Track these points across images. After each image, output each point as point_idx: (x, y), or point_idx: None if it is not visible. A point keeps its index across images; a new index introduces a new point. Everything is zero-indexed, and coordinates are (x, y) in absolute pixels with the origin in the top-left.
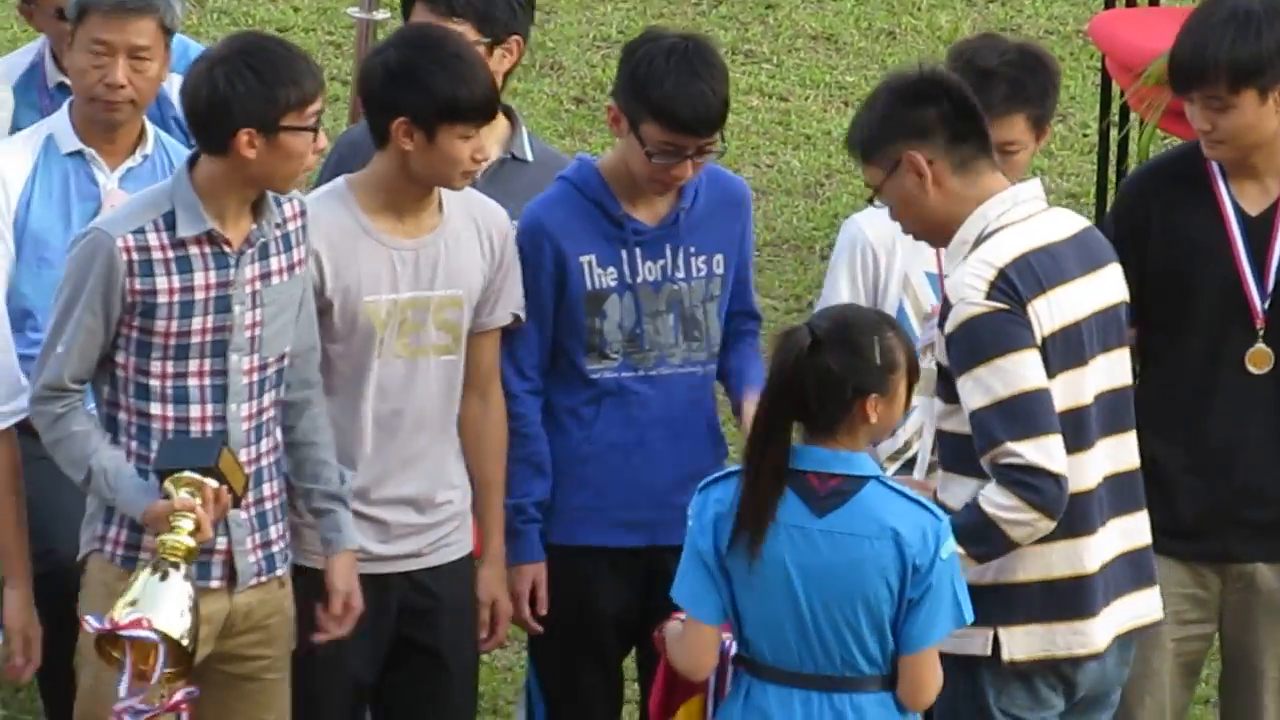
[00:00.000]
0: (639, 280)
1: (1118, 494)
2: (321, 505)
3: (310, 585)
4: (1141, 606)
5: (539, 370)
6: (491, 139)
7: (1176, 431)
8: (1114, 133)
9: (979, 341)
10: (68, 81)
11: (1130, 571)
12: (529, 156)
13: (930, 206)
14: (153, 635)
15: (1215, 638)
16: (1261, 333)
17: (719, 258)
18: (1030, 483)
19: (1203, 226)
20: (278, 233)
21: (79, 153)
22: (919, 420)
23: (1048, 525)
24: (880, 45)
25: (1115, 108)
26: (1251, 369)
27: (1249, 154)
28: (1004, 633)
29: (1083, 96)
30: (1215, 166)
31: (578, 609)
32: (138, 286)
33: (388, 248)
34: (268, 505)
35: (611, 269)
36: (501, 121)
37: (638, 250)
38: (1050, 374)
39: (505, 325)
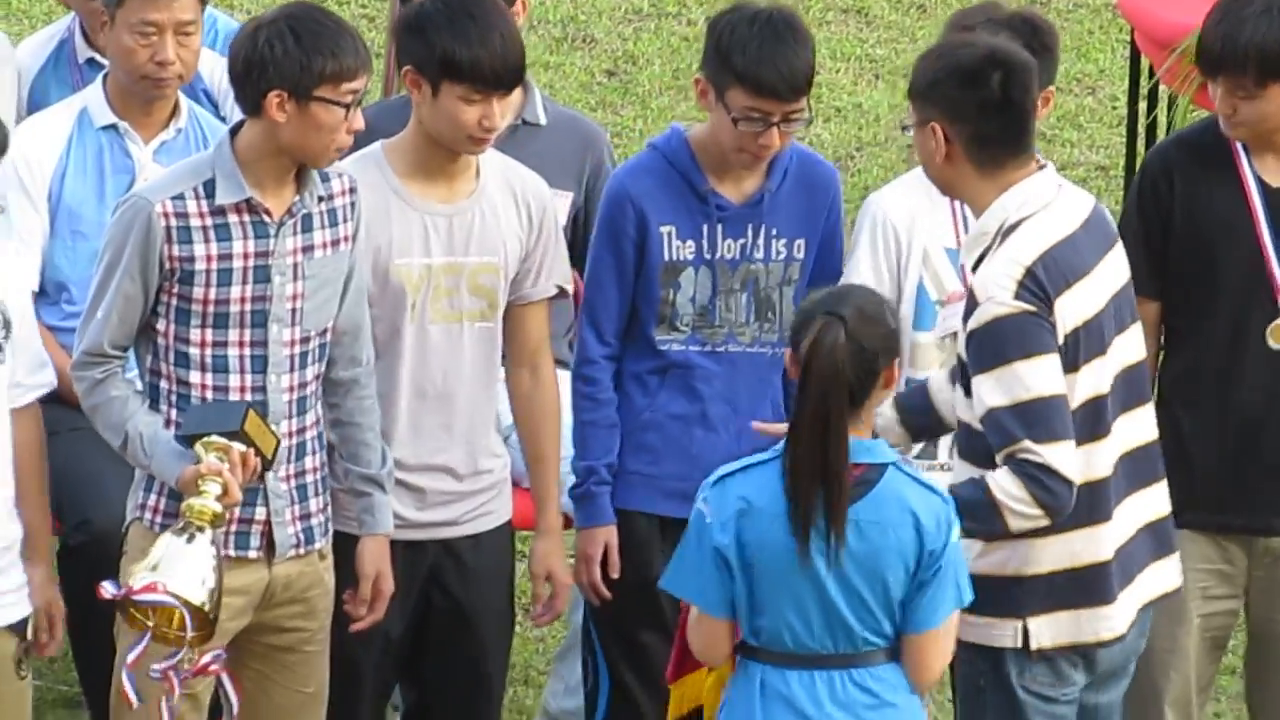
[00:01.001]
0: (717, 256)
1: (1134, 470)
2: (358, 486)
3: (351, 554)
4: (1162, 576)
5: (618, 336)
6: (504, 119)
7: (1201, 406)
8: (1143, 105)
9: (1004, 342)
10: (98, 57)
11: (1151, 542)
12: (542, 121)
13: (938, 170)
14: (167, 599)
15: (1241, 612)
16: None
17: (800, 241)
18: (1045, 482)
19: (1225, 200)
20: (322, 207)
21: (113, 126)
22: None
23: (1045, 524)
24: (910, 18)
25: (1144, 81)
26: (1274, 344)
27: (1271, 135)
28: (1032, 623)
29: (1112, 70)
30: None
31: (634, 571)
32: (176, 253)
33: (420, 212)
34: (309, 478)
35: (691, 242)
36: (515, 100)
37: (719, 226)
38: (1076, 367)
39: (551, 297)
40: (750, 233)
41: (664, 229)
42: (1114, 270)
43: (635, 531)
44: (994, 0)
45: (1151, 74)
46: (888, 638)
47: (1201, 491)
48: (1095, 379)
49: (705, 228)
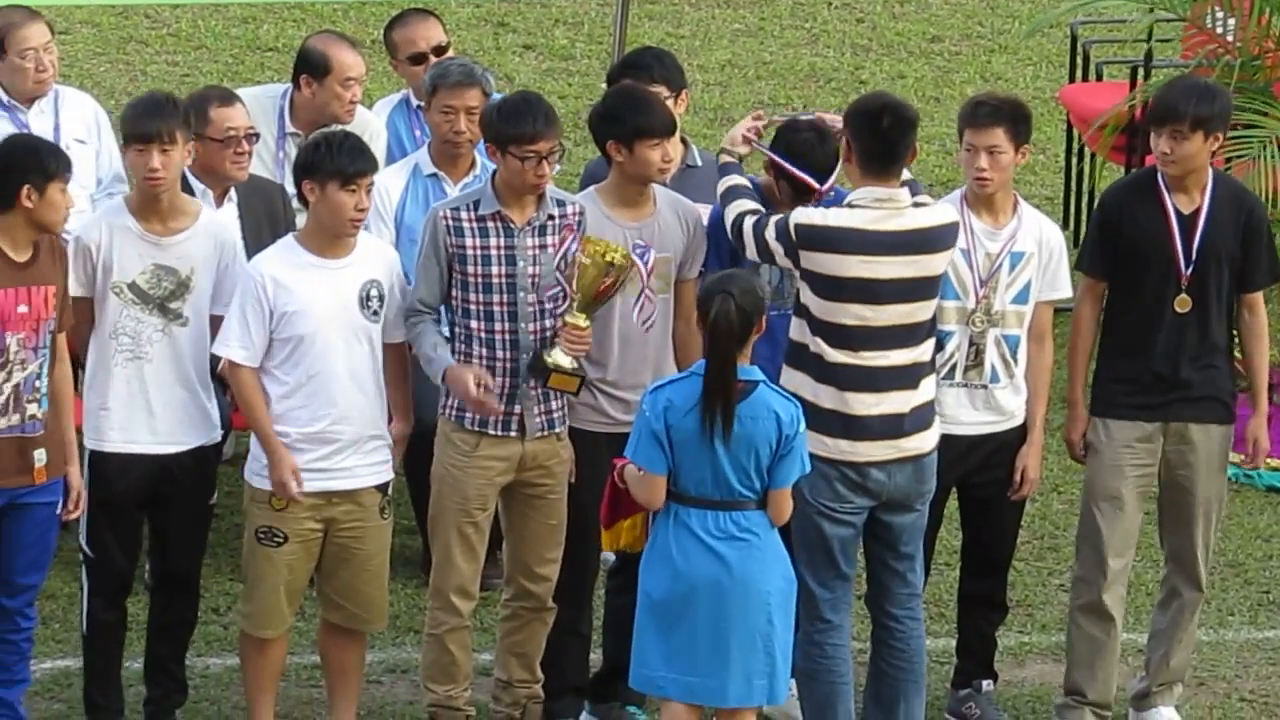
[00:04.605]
0: None
1: (901, 375)
2: None
3: (580, 441)
4: (916, 443)
5: None
6: (675, 156)
7: (1134, 350)
8: (1074, 160)
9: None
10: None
11: (906, 421)
12: (698, 163)
13: (845, 169)
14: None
15: (1158, 472)
16: (1185, 287)
17: None
18: None
19: (1153, 221)
20: (553, 221)
21: (434, 174)
22: (958, 341)
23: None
24: (929, 106)
25: (1075, 144)
26: (1179, 310)
27: (1185, 176)
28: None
29: (1055, 137)
30: (1162, 182)
31: None
32: (454, 242)
33: (621, 228)
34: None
35: None
36: (679, 145)
37: None
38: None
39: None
40: None
41: None
42: (899, 267)
43: None
44: (991, 91)
45: (1080, 140)
46: (757, 493)
47: (1136, 399)
48: (842, 313)
49: None
